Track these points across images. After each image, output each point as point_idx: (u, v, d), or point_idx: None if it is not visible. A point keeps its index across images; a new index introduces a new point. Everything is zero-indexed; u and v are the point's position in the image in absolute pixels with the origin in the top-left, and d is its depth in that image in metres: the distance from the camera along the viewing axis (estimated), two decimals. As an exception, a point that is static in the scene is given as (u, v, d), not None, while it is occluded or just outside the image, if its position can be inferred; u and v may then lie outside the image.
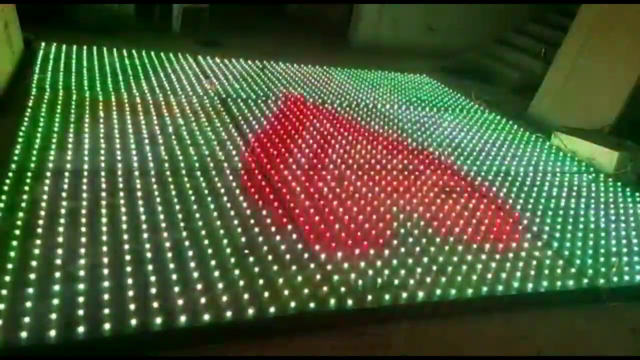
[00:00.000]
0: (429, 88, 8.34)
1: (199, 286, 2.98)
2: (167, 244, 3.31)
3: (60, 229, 3.29)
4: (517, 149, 6.18)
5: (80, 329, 2.53)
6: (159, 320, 2.67)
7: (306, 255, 3.46)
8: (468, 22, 11.13)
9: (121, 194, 3.81)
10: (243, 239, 3.52)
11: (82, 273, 2.92)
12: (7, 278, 2.81)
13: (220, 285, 3.01)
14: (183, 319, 2.72)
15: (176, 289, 2.93)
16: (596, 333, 3.34)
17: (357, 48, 10.66)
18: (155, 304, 2.77)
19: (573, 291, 3.61)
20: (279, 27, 11.58)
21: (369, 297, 3.16)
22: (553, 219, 4.57)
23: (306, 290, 3.11)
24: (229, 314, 2.81)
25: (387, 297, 3.19)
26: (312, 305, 3.01)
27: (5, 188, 3.65)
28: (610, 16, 7.09)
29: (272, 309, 2.90)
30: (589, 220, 4.66)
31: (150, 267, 3.06)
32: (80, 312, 2.64)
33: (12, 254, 3.00)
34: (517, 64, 9.69)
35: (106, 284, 2.87)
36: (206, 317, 2.76)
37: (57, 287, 2.79)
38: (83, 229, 3.32)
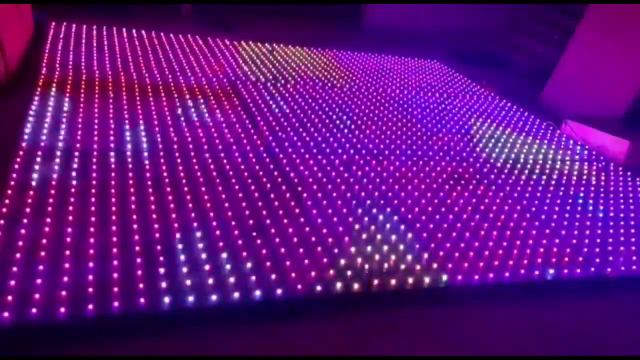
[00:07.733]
0: (440, 74, 8.26)
1: (207, 267, 3.01)
2: (175, 225, 3.33)
3: (70, 208, 3.32)
4: (527, 137, 6.14)
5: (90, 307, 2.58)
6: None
7: (313, 239, 3.47)
8: (480, 8, 10.98)
9: (130, 174, 3.83)
10: (251, 222, 3.54)
11: (91, 252, 2.96)
12: (18, 255, 2.85)
13: (228, 267, 3.05)
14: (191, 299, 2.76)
15: (184, 269, 2.96)
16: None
17: (369, 32, 10.55)
18: (164, 284, 2.81)
19: (580, 279, 3.61)
20: (290, 9, 11.43)
21: (375, 282, 3.18)
22: (561, 206, 4.56)
23: (313, 274, 3.13)
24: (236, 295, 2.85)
25: (393, 282, 3.20)
26: (318, 288, 3.04)
27: (16, 167, 3.68)
28: (625, 6, 6.96)
29: (279, 291, 2.93)
30: (598, 209, 4.64)
31: (158, 248, 3.09)
32: (90, 289, 2.68)
33: (23, 231, 3.04)
34: (529, 51, 9.56)
35: (115, 263, 2.90)
36: (214, 297, 2.80)
37: (67, 265, 2.83)
38: (92, 209, 3.35)
